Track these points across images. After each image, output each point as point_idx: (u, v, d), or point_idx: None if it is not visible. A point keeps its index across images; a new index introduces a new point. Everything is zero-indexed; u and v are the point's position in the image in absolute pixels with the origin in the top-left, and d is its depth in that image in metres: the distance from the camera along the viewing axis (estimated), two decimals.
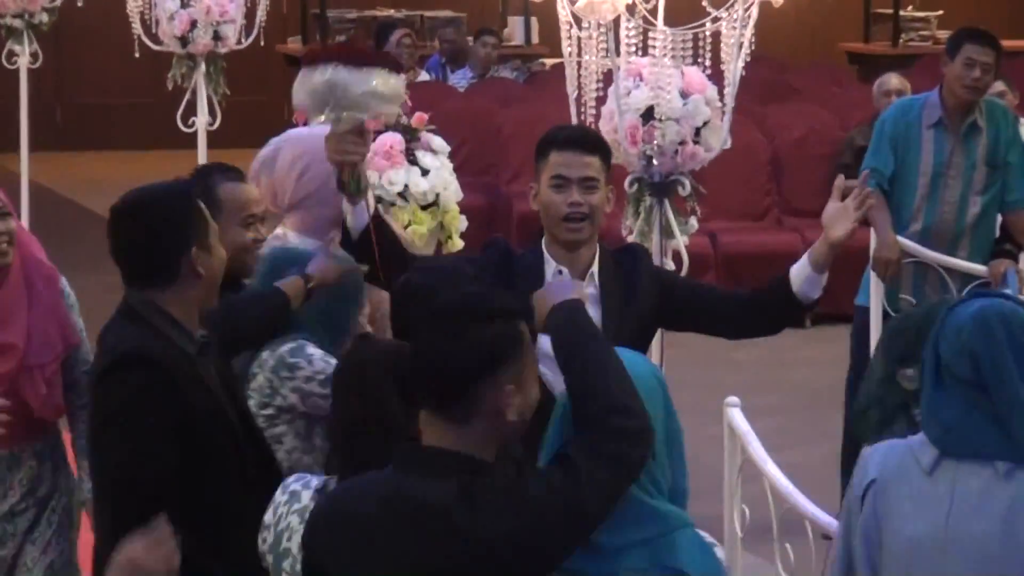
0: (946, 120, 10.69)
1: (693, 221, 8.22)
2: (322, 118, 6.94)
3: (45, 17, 15.27)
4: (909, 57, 20.13)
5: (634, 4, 7.49)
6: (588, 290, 6.79)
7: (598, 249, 7.01)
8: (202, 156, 12.64)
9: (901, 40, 22.59)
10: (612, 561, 4.85)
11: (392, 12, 21.79)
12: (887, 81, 14.59)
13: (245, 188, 7.46)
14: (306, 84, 7.04)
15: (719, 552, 5.07)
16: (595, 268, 6.98)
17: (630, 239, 8.11)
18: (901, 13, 23.10)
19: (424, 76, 18.40)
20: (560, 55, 8.09)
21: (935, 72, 11.21)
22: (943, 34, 19.85)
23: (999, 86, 13.49)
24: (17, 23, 15.17)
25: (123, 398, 6.07)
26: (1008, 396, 5.26)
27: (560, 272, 6.89)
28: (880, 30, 23.36)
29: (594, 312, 6.50)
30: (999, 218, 10.72)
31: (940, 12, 22.15)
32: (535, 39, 21.77)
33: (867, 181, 10.09)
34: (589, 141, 7.03)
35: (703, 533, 5.05)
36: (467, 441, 4.97)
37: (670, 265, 8.24)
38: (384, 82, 6.91)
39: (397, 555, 4.93)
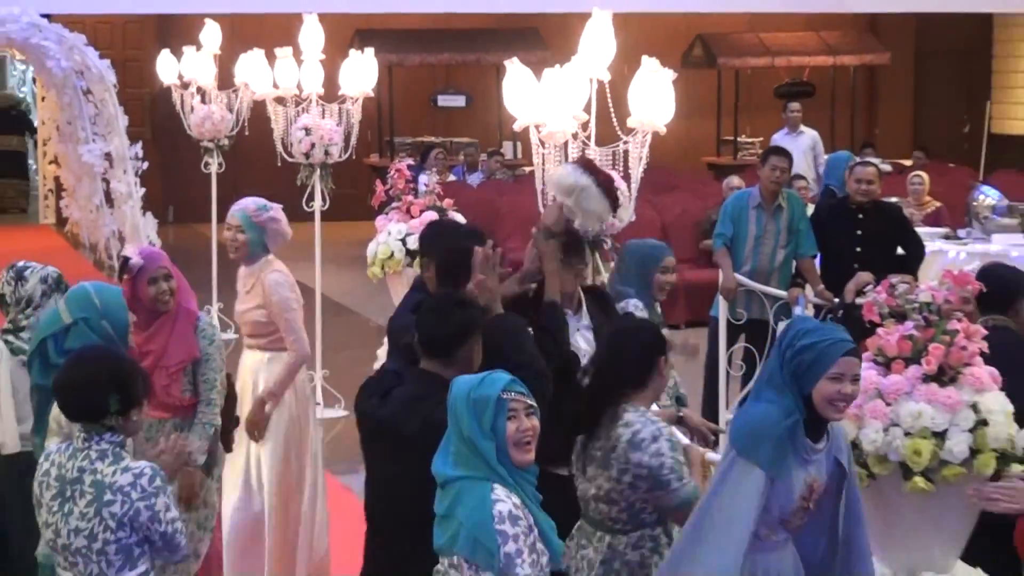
0: (763, 203, 10.74)
1: (611, 264, 8.10)
2: (561, 197, 6.45)
3: (226, 141, 15.26)
4: (743, 166, 20.06)
5: (576, 133, 7.39)
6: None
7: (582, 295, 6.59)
8: (317, 226, 12.59)
9: (739, 155, 22.57)
10: (443, 510, 4.44)
11: (433, 138, 21.75)
12: (731, 180, 14.57)
13: None
14: (574, 173, 6.49)
15: (501, 506, 4.33)
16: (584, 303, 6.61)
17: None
18: (738, 139, 23.09)
19: (452, 177, 18.36)
20: (533, 164, 7.98)
21: (757, 175, 11.22)
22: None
23: (802, 182, 13.55)
24: (210, 144, 15.20)
25: None
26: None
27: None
28: (726, 149, 23.34)
29: (588, 334, 6.46)
30: (794, 263, 10.73)
31: (761, 138, 22.12)
32: (520, 155, 21.75)
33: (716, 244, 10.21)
34: None
35: (499, 492, 4.36)
36: (449, 374, 4.96)
37: None
38: (605, 214, 6.48)
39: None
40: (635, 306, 7.25)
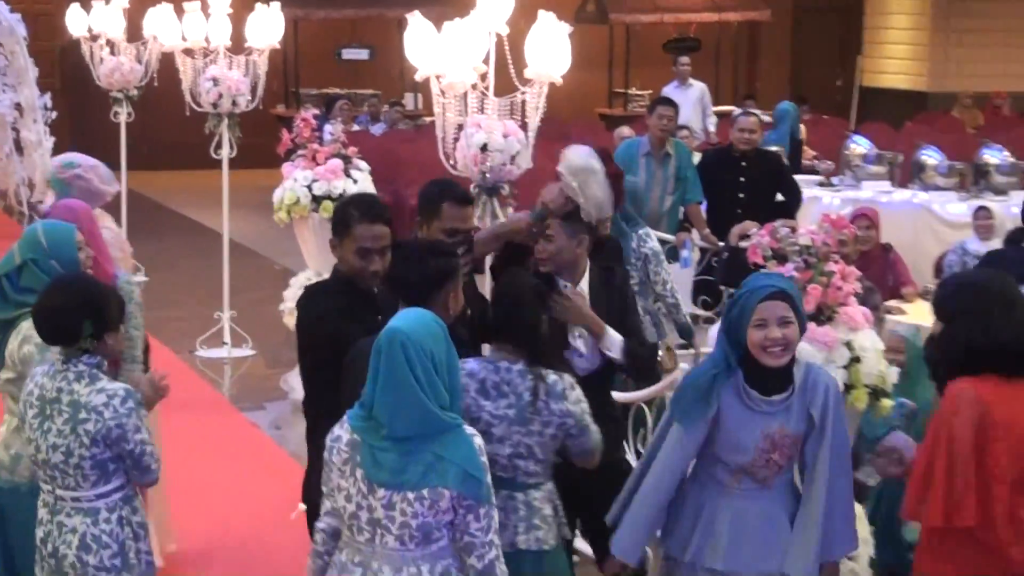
0: (652, 151, 10.71)
1: (510, 210, 8.07)
2: (568, 177, 5.92)
3: (135, 91, 15.05)
4: (633, 116, 20.09)
5: (476, 84, 7.36)
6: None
7: (588, 266, 5.95)
8: (225, 173, 12.46)
9: (629, 106, 22.58)
10: (404, 447, 4.17)
11: (338, 90, 21.49)
12: (621, 130, 14.53)
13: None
14: (585, 156, 5.97)
15: (477, 441, 4.24)
16: (584, 281, 5.92)
17: (477, 223, 7.93)
18: (629, 91, 23.10)
19: (356, 127, 18.20)
20: (434, 114, 7.92)
21: (646, 125, 11.21)
22: None
23: (684, 132, 13.57)
24: (119, 95, 14.98)
25: None
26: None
27: (566, 285, 5.80)
28: (617, 100, 23.35)
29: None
30: (682, 209, 10.75)
31: (650, 91, 22.14)
32: (420, 105, 21.62)
33: None
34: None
35: (469, 429, 4.28)
36: None
37: None
38: (606, 205, 5.94)
39: None
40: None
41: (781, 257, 5.75)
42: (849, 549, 5.06)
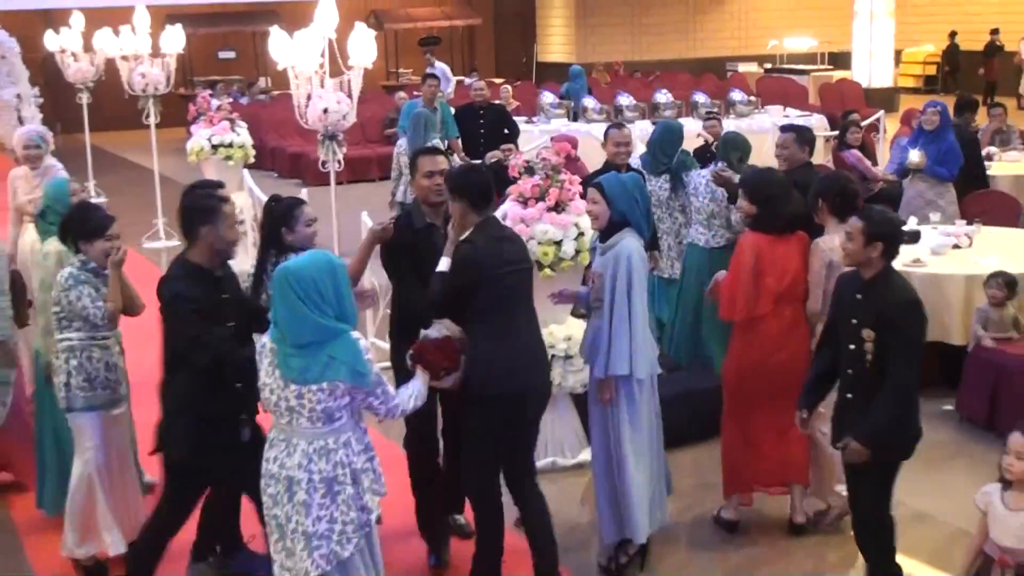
0: (426, 106, 9.91)
1: (344, 148, 7.35)
2: None
3: (91, 84, 13.49)
4: (403, 86, 19.22)
5: (317, 70, 6.69)
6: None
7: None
8: (153, 132, 11.82)
9: (400, 79, 21.69)
10: (305, 352, 3.46)
11: (217, 77, 19.95)
12: (399, 95, 14.15)
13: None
14: None
15: (363, 343, 3.47)
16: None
17: (322, 156, 7.24)
18: (398, 71, 22.30)
19: (230, 99, 16.90)
20: (283, 88, 7.16)
21: (420, 91, 10.44)
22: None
23: (441, 93, 12.85)
24: (81, 86, 13.32)
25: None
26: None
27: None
28: (392, 77, 22.46)
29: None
30: (446, 141, 10.03)
31: (411, 69, 21.34)
32: (270, 84, 20.51)
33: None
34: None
35: (355, 334, 3.49)
36: (194, 254, 4.07)
37: (336, 167, 7.36)
38: None
39: None
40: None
41: (530, 171, 5.30)
42: (614, 372, 4.31)
